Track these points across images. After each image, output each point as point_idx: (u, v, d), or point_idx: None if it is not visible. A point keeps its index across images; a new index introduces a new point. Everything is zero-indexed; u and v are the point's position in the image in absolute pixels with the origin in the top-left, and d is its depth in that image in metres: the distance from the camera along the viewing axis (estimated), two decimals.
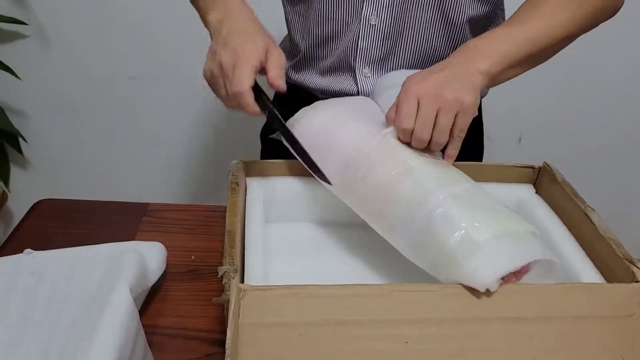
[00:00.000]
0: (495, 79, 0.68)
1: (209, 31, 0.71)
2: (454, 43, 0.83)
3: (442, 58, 0.74)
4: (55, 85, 1.58)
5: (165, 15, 1.47)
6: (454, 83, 0.63)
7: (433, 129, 0.63)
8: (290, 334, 0.50)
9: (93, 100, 1.61)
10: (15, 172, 1.71)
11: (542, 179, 0.77)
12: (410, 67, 0.85)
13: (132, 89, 1.59)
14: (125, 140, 1.69)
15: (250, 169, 0.75)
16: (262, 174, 0.75)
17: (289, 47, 0.93)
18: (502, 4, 0.87)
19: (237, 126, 1.63)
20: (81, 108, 1.63)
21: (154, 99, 1.61)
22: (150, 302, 0.71)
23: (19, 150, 1.65)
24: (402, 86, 0.65)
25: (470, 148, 0.76)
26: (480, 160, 0.99)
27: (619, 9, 0.77)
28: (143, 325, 0.59)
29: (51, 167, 1.73)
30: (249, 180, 0.74)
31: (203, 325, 0.68)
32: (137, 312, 0.58)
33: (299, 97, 0.86)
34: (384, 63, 0.85)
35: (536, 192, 0.77)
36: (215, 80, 0.66)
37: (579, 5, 0.72)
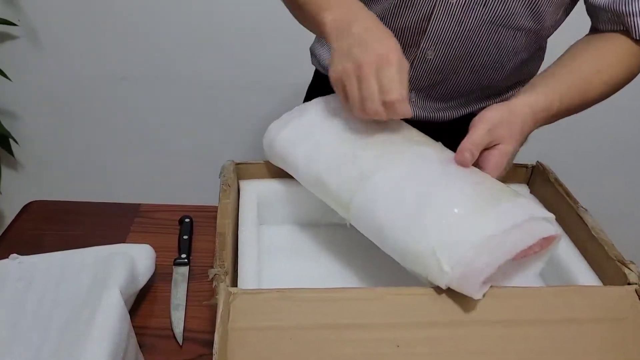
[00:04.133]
0: None
1: (324, 31, 0.65)
2: (504, 73, 0.83)
3: (490, 86, 0.82)
4: (46, 86, 1.58)
5: (156, 15, 1.46)
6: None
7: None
8: (281, 337, 0.49)
9: (84, 101, 1.61)
10: (6, 174, 1.70)
11: (535, 178, 0.77)
12: (455, 94, 0.86)
13: (123, 89, 1.58)
14: (117, 141, 1.68)
15: (242, 170, 0.74)
16: (255, 175, 0.75)
17: None
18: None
19: (229, 127, 1.62)
20: (72, 109, 1.62)
21: (145, 99, 1.60)
22: (141, 303, 0.70)
23: (10, 152, 1.64)
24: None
25: None
26: None
27: None
28: (133, 327, 0.59)
29: (42, 168, 1.72)
30: (241, 182, 0.74)
31: (196, 326, 0.68)
32: (128, 315, 0.58)
33: None
34: (430, 90, 0.85)
35: (530, 192, 0.77)
36: (350, 81, 0.60)
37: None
